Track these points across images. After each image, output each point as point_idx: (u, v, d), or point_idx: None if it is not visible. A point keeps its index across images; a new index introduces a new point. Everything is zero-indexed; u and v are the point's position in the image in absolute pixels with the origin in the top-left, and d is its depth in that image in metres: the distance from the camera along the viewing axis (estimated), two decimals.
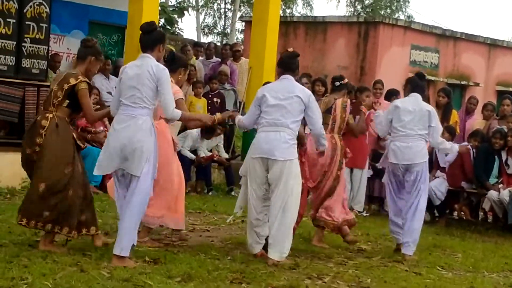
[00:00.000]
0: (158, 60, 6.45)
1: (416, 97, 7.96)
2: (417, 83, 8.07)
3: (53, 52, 12.64)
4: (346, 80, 8.43)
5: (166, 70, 6.41)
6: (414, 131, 7.83)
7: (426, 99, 8.19)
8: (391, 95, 11.81)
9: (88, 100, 6.52)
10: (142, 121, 6.25)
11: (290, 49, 7.35)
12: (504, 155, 10.62)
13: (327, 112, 8.07)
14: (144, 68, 6.31)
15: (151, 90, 6.29)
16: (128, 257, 6.22)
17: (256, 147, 7.00)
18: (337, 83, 8.30)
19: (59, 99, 6.50)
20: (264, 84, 11.48)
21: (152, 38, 6.46)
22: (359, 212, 11.11)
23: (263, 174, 6.96)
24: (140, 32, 6.53)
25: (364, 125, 8.92)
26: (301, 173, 7.14)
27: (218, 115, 7.05)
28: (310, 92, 7.13)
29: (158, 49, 6.47)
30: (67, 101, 6.50)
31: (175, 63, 7.45)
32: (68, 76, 6.54)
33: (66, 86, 6.48)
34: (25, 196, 6.63)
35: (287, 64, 7.19)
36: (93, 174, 10.21)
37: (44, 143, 6.43)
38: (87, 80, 6.55)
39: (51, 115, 6.49)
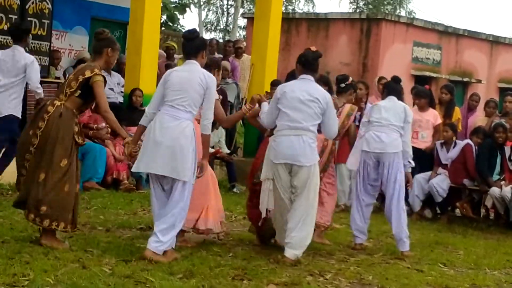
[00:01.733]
0: (201, 67, 6.56)
1: (392, 98, 8.06)
2: (393, 87, 8.22)
3: (52, 49, 12.62)
4: (351, 79, 8.27)
5: (215, 80, 6.52)
6: (389, 121, 7.88)
7: (402, 100, 8.19)
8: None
9: (102, 91, 6.52)
10: (185, 125, 6.32)
11: (313, 48, 7.21)
12: (508, 151, 10.59)
13: None
14: (194, 74, 6.40)
15: (199, 96, 6.38)
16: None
17: (278, 152, 6.85)
18: (342, 85, 8.13)
19: (72, 89, 6.51)
20: (271, 83, 11.61)
21: (194, 45, 6.55)
22: None
23: (288, 178, 6.86)
24: (182, 39, 6.65)
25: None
26: None
27: (244, 107, 7.52)
28: (329, 96, 7.04)
29: (201, 56, 6.57)
30: (79, 91, 6.51)
31: (207, 65, 7.28)
32: (85, 68, 6.57)
33: (81, 78, 6.49)
34: (24, 187, 6.52)
35: (311, 64, 7.08)
36: (95, 170, 10.41)
37: (44, 130, 6.42)
38: (103, 74, 6.56)
39: (58, 103, 6.49)
